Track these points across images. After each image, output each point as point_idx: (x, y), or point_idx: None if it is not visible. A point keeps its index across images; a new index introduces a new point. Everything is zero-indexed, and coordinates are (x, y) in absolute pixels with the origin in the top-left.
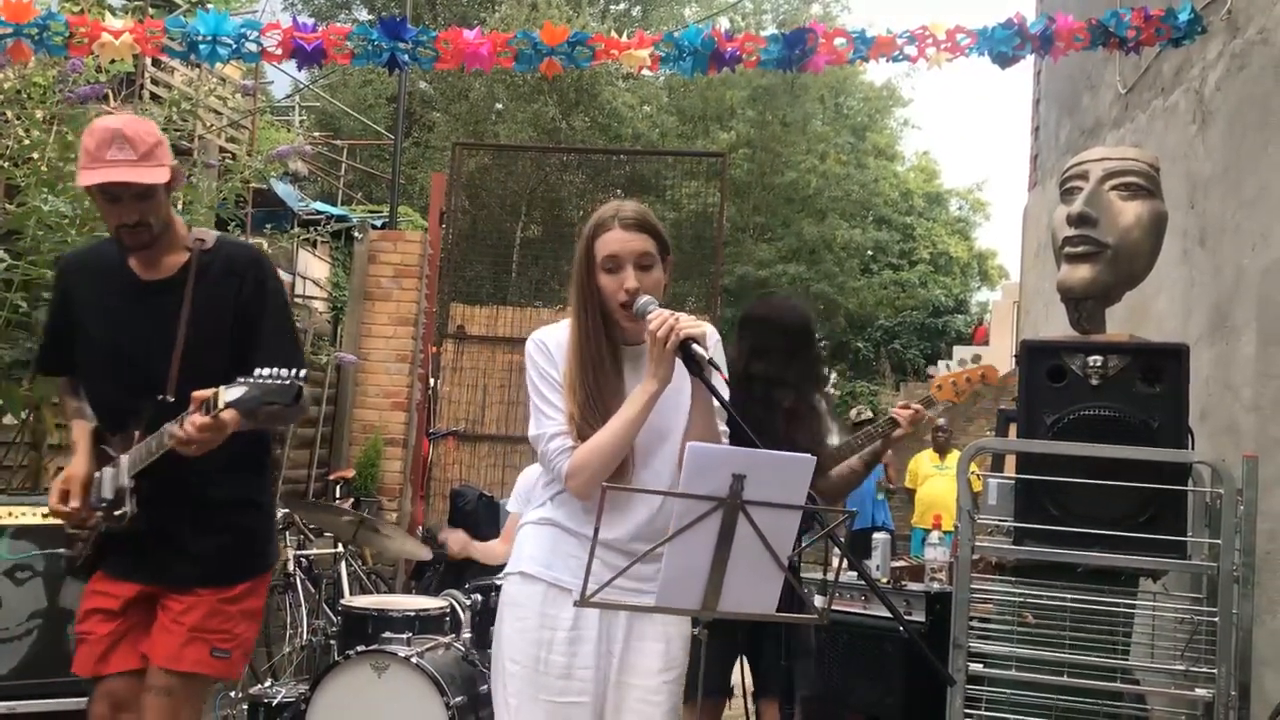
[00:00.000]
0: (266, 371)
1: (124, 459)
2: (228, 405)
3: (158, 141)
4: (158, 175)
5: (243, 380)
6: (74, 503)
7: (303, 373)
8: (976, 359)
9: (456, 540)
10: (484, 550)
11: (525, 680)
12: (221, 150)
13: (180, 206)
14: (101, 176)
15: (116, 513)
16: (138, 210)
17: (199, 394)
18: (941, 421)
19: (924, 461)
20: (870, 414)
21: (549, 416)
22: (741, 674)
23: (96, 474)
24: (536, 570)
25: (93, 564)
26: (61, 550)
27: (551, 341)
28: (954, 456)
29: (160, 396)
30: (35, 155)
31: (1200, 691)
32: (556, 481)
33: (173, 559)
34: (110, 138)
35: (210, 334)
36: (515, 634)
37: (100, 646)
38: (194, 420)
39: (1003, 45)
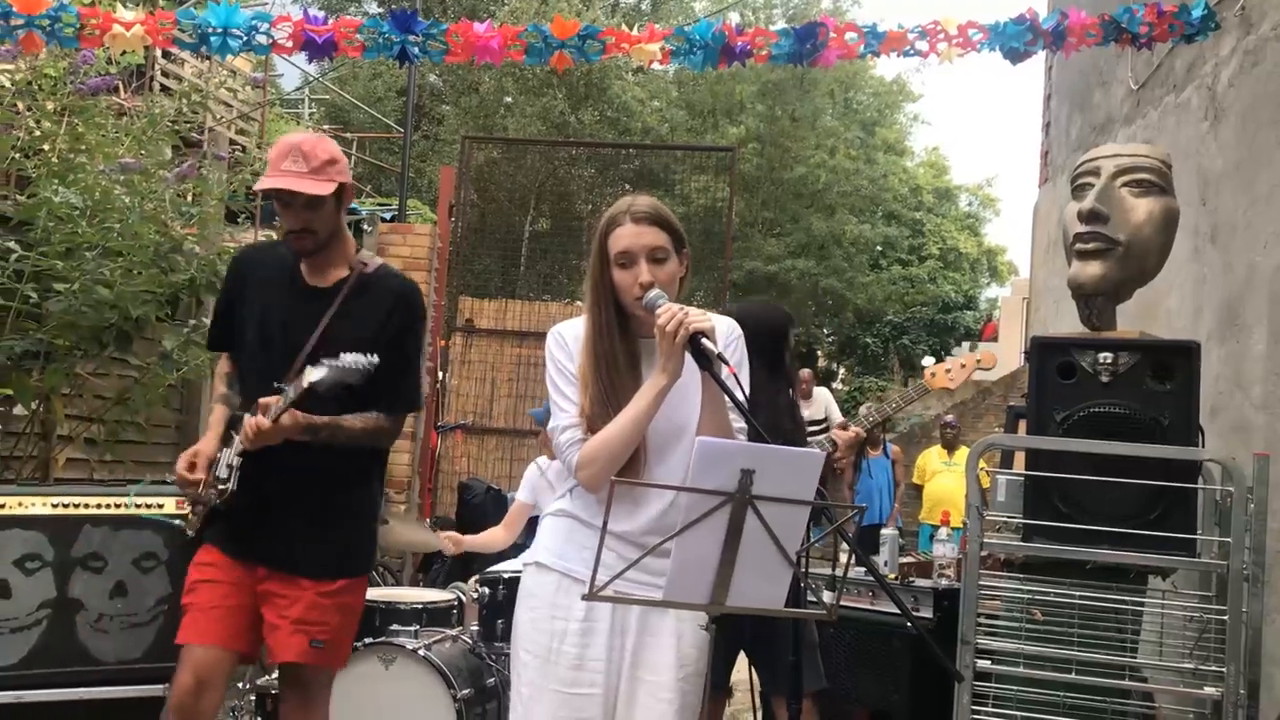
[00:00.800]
0: (350, 356)
1: (236, 439)
2: (310, 385)
3: (331, 159)
4: (319, 188)
5: (326, 363)
6: (199, 474)
7: (375, 359)
8: (972, 348)
9: (451, 541)
10: (480, 541)
11: (537, 670)
12: (231, 143)
13: (191, 198)
14: (270, 183)
15: (222, 487)
16: (303, 218)
17: (265, 400)
18: (950, 418)
19: (932, 458)
20: (876, 414)
21: (563, 409)
22: (750, 672)
23: (218, 454)
24: (550, 561)
25: (200, 537)
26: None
27: (569, 335)
28: (962, 453)
29: (276, 385)
30: (46, 147)
31: (1209, 690)
32: (570, 474)
33: (278, 541)
34: (288, 151)
35: (345, 343)
36: (528, 624)
37: (203, 617)
38: (257, 421)
39: (1014, 41)
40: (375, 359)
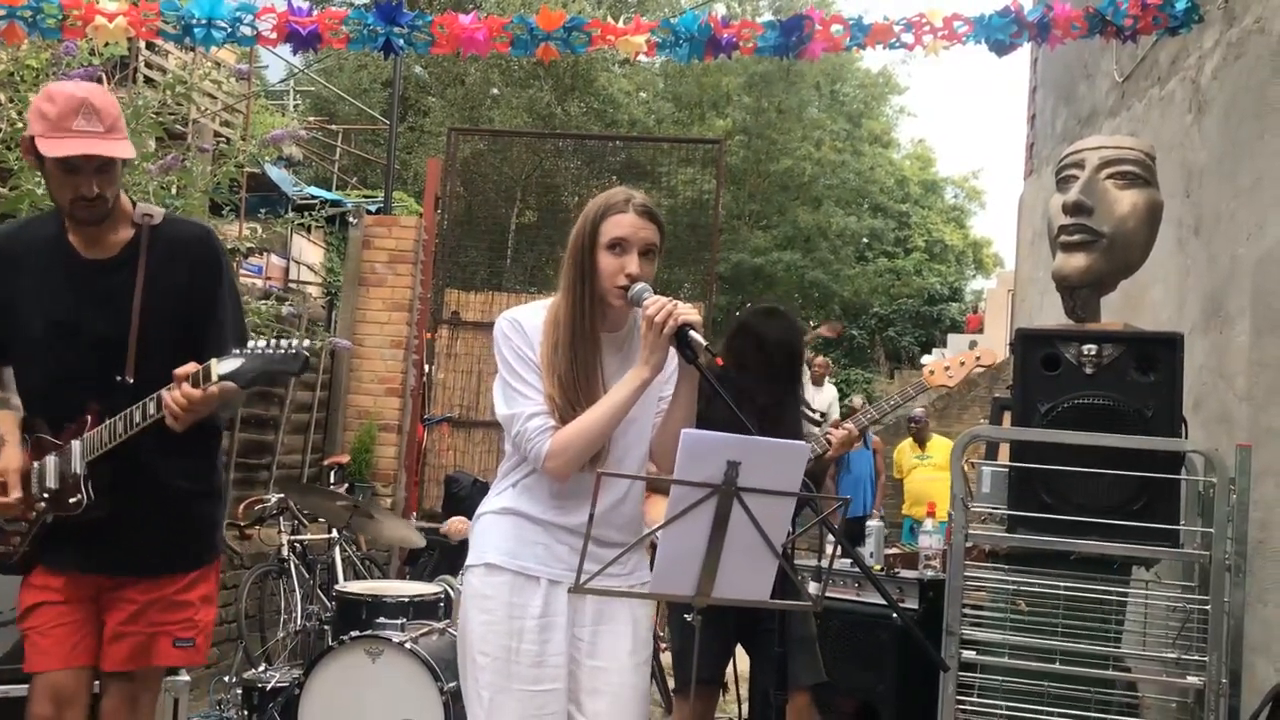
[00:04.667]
0: (263, 343)
1: (75, 445)
2: (221, 378)
3: (119, 113)
4: (126, 150)
5: (238, 352)
6: (15, 494)
7: (306, 343)
8: (973, 345)
9: (457, 525)
10: None
11: (497, 672)
12: (216, 134)
13: (175, 191)
14: (71, 148)
15: (71, 500)
16: (97, 183)
17: (182, 370)
18: (918, 412)
19: (906, 453)
20: (873, 412)
21: (526, 396)
22: (735, 665)
23: (35, 464)
24: (502, 560)
25: (30, 560)
26: None
27: (526, 322)
28: (934, 444)
29: (119, 378)
30: None
31: (1191, 679)
32: (525, 464)
33: (123, 547)
34: (77, 106)
35: (163, 313)
36: (483, 626)
37: (45, 641)
38: (185, 391)
39: (1000, 33)
40: (307, 343)
